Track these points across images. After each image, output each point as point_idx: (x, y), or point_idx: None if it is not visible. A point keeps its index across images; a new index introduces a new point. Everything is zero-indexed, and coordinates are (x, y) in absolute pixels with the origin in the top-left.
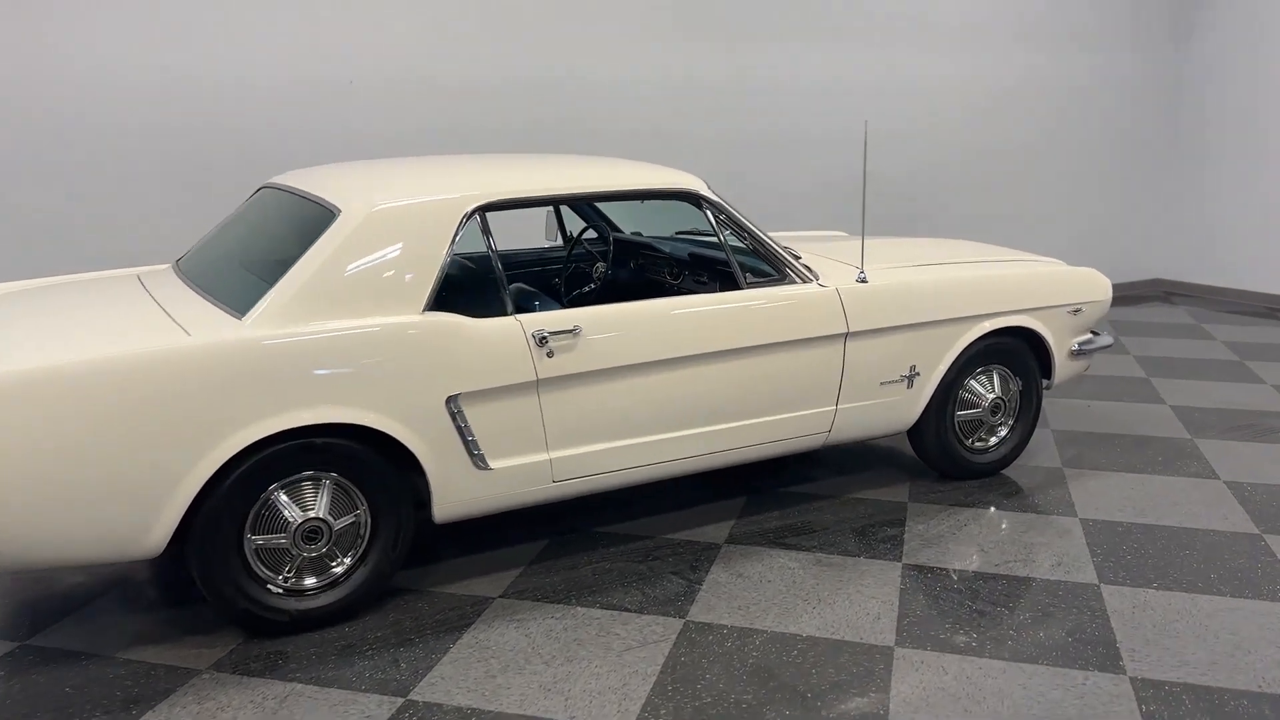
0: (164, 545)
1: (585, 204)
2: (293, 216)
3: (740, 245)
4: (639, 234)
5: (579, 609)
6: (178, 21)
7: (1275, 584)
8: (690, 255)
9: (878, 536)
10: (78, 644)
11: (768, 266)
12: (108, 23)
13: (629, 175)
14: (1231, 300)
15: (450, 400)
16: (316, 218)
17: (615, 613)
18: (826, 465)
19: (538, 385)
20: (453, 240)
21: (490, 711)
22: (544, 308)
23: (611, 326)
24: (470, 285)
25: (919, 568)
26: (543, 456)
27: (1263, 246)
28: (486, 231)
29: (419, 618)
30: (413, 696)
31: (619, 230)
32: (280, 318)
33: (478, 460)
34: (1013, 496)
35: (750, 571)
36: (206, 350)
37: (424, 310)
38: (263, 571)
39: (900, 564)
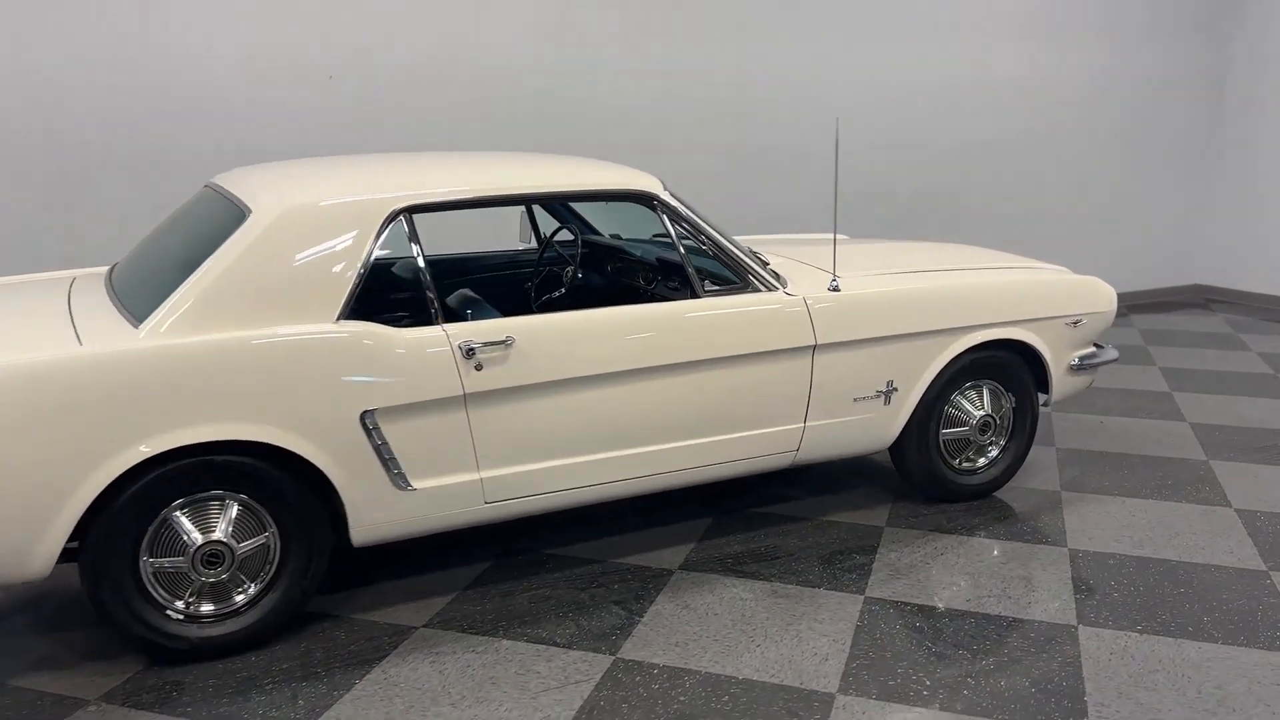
0: (50, 567)
1: (537, 205)
2: (212, 218)
3: (702, 250)
4: (617, 236)
5: (504, 642)
6: (158, 17)
7: (1275, 629)
8: (658, 260)
9: (844, 565)
10: None
11: (729, 273)
12: (101, 16)
13: (574, 176)
14: (1274, 308)
15: (365, 416)
16: (231, 218)
17: (541, 647)
18: (804, 484)
19: (465, 400)
20: (373, 244)
21: None
22: (484, 316)
23: (547, 338)
24: (399, 292)
25: (882, 602)
26: (473, 476)
27: None
28: (413, 235)
29: (332, 648)
30: None
31: (597, 232)
32: (178, 326)
33: (398, 480)
34: (1000, 522)
35: (698, 602)
36: (92, 362)
37: (338, 319)
38: (161, 596)
39: (863, 597)
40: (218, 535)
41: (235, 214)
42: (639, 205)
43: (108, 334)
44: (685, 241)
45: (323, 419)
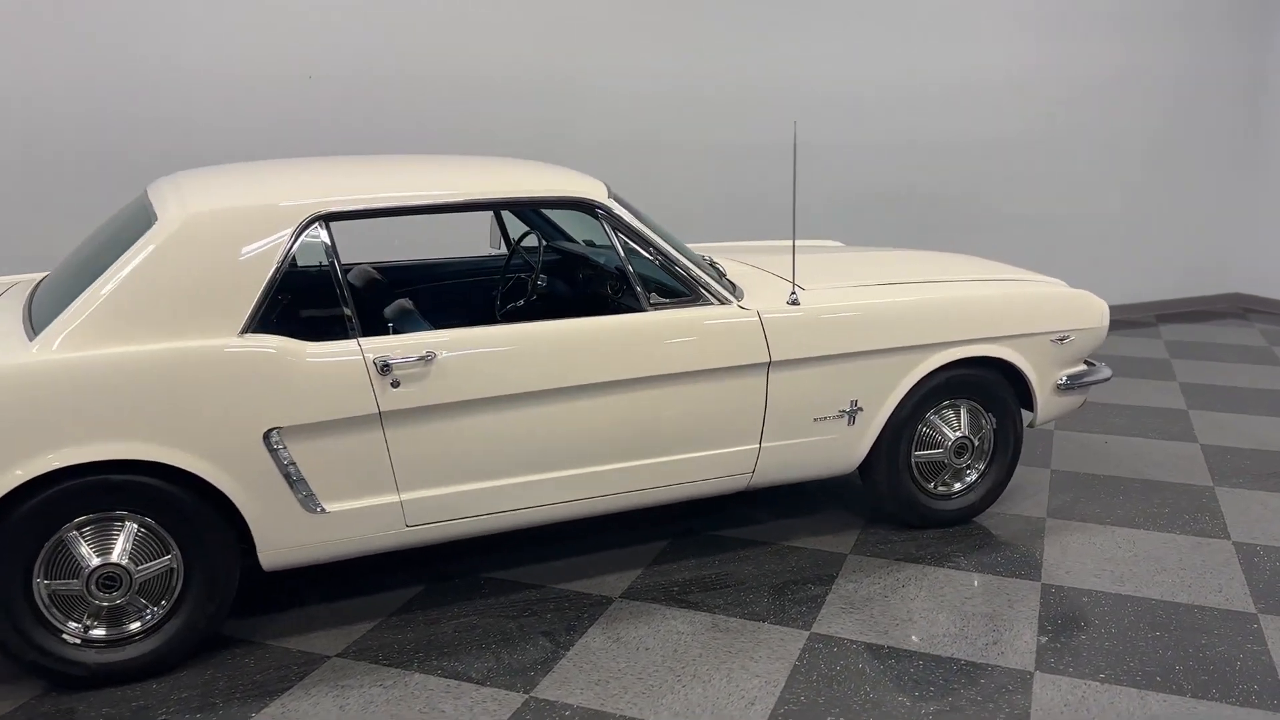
0: None
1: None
2: (128, 226)
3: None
4: (590, 243)
5: (416, 676)
6: (138, 18)
7: (1252, 682)
8: (616, 268)
9: (797, 596)
10: None
11: (679, 285)
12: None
13: (507, 183)
14: None
15: (269, 435)
16: (142, 227)
17: (454, 683)
18: (772, 506)
19: (381, 419)
20: (286, 252)
21: None
22: (417, 329)
23: (472, 354)
24: (319, 304)
25: (828, 639)
26: (392, 499)
27: None
28: (329, 243)
29: (237, 676)
30: None
31: (569, 238)
32: (72, 340)
33: (308, 502)
34: (973, 552)
35: (631, 636)
36: None
37: (243, 331)
38: (55, 619)
39: (808, 633)
40: (114, 557)
41: (145, 221)
42: (584, 214)
43: (1, 348)
44: (633, 251)
45: (223, 438)
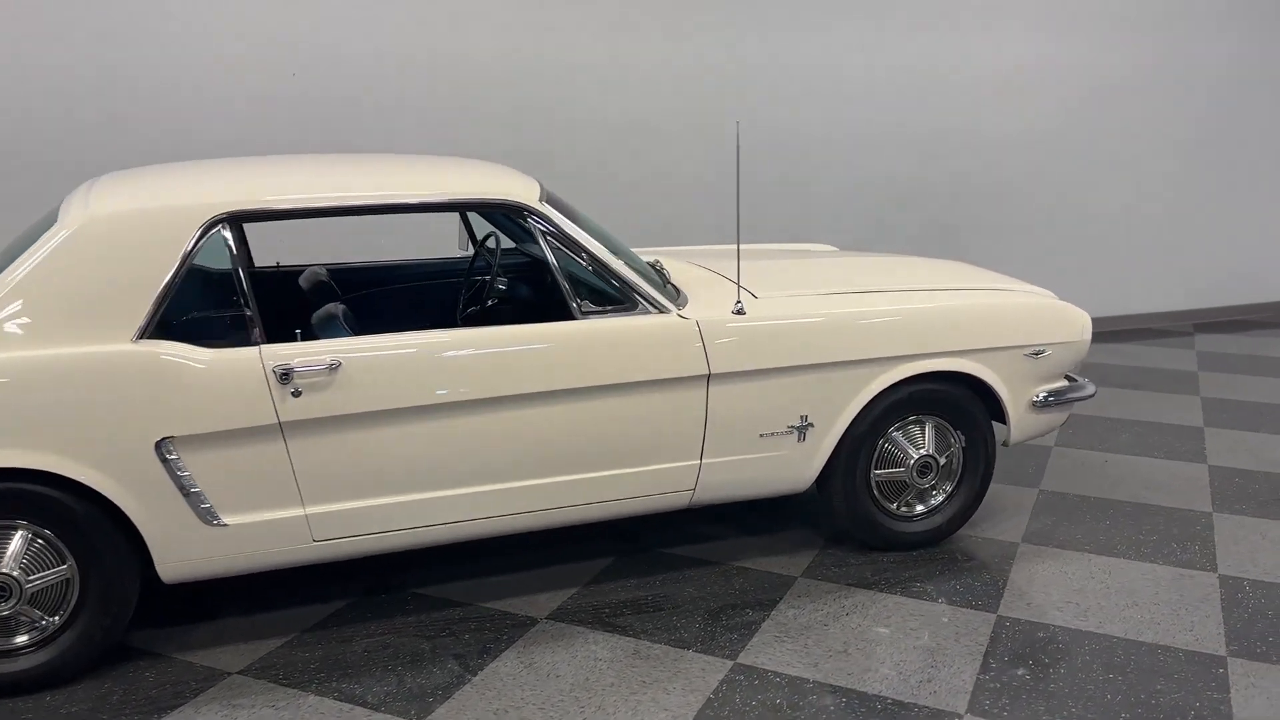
0: None
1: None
2: (36, 228)
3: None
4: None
5: (311, 698)
6: (122, 11)
7: None
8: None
9: (731, 622)
10: None
11: (616, 293)
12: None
13: (429, 184)
14: None
15: (161, 445)
16: (43, 228)
17: (347, 707)
18: (733, 522)
19: (282, 429)
20: (186, 255)
21: None
22: (337, 336)
23: (380, 363)
24: (223, 308)
25: (751, 670)
26: (297, 512)
27: None
28: (233, 247)
29: (133, 690)
30: None
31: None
32: None
33: (206, 515)
34: (931, 579)
35: (544, 661)
36: None
37: (137, 337)
38: None
39: (732, 662)
40: (2, 567)
41: (47, 224)
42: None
43: None
44: (565, 256)
45: (115, 447)
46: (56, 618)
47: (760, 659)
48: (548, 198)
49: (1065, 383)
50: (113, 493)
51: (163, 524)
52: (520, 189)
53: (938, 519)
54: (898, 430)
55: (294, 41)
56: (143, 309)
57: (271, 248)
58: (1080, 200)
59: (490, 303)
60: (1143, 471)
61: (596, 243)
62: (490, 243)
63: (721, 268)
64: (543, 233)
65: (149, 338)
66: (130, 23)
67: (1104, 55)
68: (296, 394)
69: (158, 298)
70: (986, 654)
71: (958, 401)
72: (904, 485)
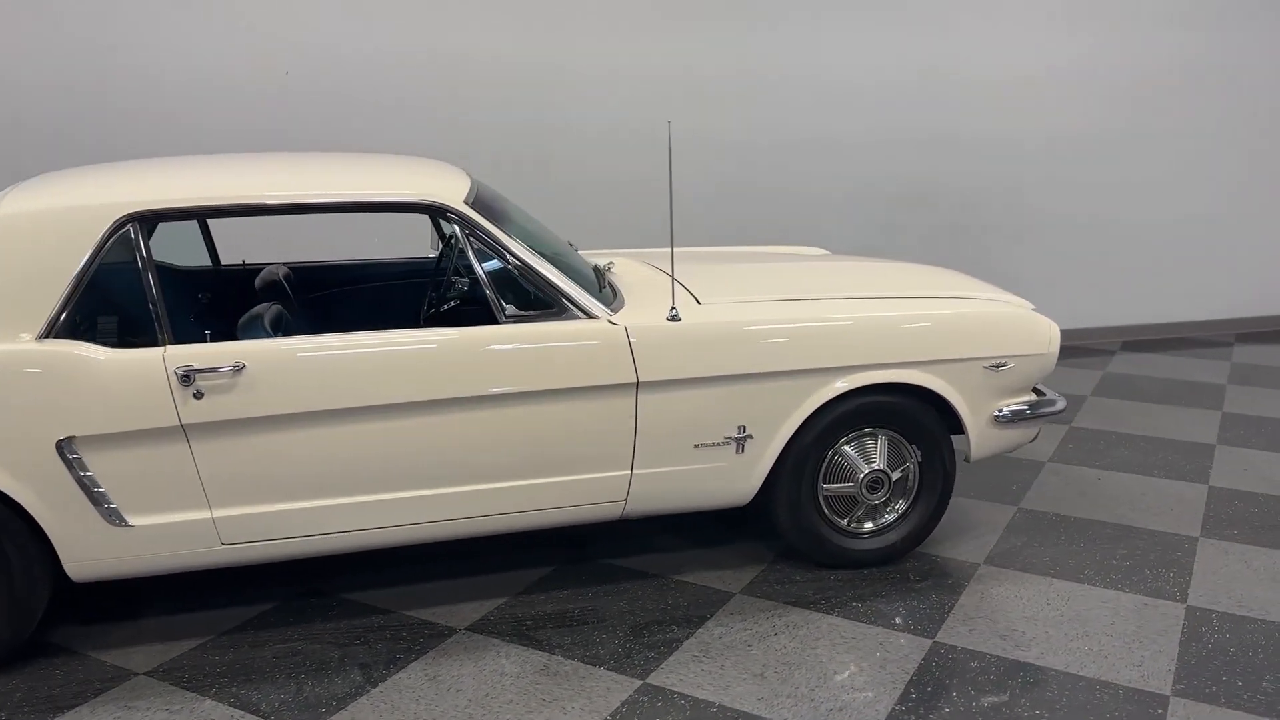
0: None
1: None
2: None
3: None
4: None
5: (207, 703)
6: (114, 10)
7: None
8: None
9: (653, 639)
10: None
11: (544, 297)
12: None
13: (346, 184)
14: None
15: (63, 445)
16: None
17: (240, 713)
18: (687, 534)
19: (185, 432)
20: (93, 255)
21: None
22: (258, 337)
23: (283, 366)
24: (134, 309)
25: (656, 690)
26: (203, 515)
27: None
28: (137, 247)
29: (38, 688)
30: None
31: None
32: None
33: (110, 515)
34: (874, 600)
35: (450, 674)
36: None
37: (41, 336)
38: None
39: (640, 682)
40: None
41: None
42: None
43: None
44: (489, 259)
45: (17, 446)
46: None
47: (670, 679)
48: (478, 198)
49: (1032, 397)
50: (17, 492)
51: (68, 524)
52: (442, 189)
53: (891, 537)
54: (849, 443)
55: (289, 40)
56: (47, 308)
57: (268, 246)
58: (1117, 204)
59: (453, 303)
60: (1135, 491)
61: (521, 245)
62: (456, 241)
63: (692, 271)
64: (466, 235)
65: (55, 337)
66: (119, 23)
67: (1146, 52)
68: (199, 396)
69: (64, 297)
70: (910, 683)
71: (913, 415)
72: (855, 500)
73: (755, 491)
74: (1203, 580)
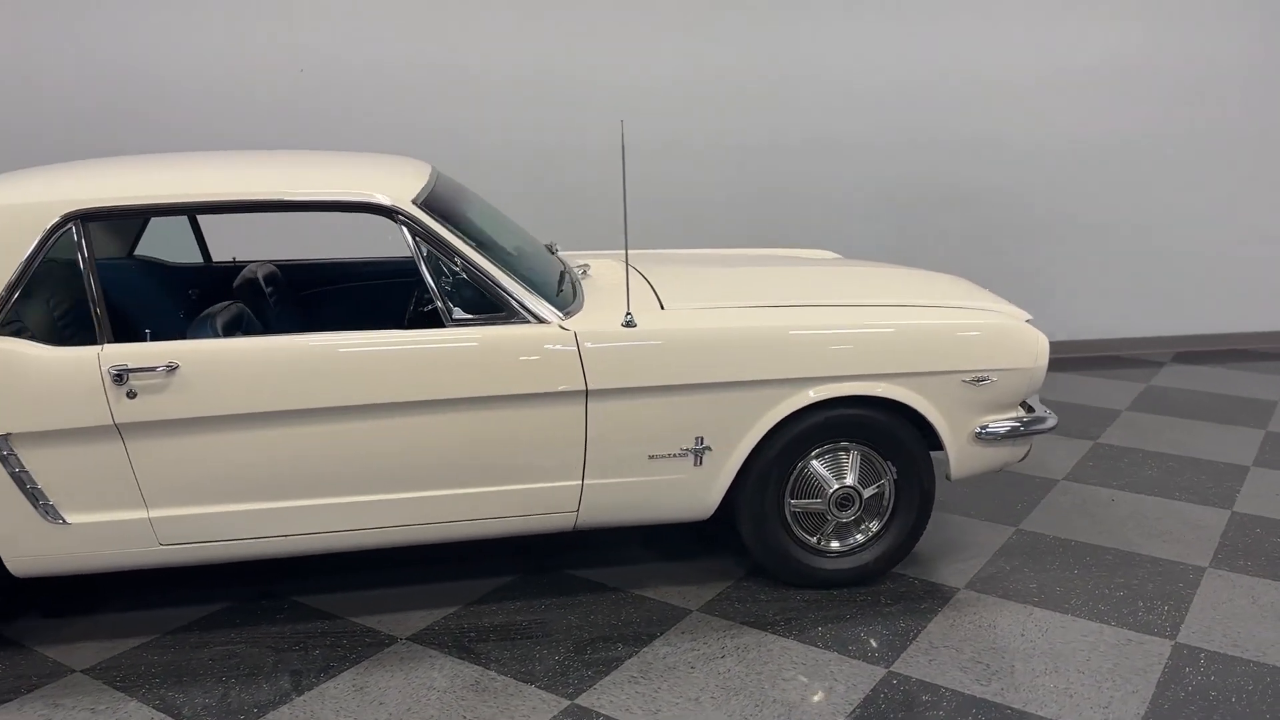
0: None
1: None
2: None
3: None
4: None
5: (132, 704)
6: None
7: None
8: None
9: (594, 656)
10: None
11: (491, 300)
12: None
13: (288, 182)
14: None
15: None
16: None
17: (162, 717)
18: (658, 546)
19: (119, 431)
20: (34, 253)
21: None
22: (203, 337)
23: (216, 366)
24: (76, 308)
25: (583, 712)
26: (140, 515)
27: None
28: (79, 245)
29: None
30: None
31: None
32: None
33: (47, 512)
34: (837, 623)
35: (378, 685)
36: None
37: None
38: None
39: (569, 703)
40: None
41: None
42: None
43: None
44: (437, 260)
45: None
46: None
47: (600, 701)
48: (435, 195)
49: (1020, 412)
50: None
51: (6, 520)
52: (389, 188)
53: (865, 556)
54: (819, 458)
55: (302, 41)
56: None
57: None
58: (1172, 210)
59: (437, 303)
60: (1148, 514)
61: (469, 246)
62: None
63: (669, 274)
64: (414, 236)
65: None
66: (134, 20)
67: (1200, 48)
68: (132, 395)
69: (2, 294)
70: (851, 715)
71: (887, 430)
72: (822, 519)
73: (716, 505)
74: (1199, 615)
